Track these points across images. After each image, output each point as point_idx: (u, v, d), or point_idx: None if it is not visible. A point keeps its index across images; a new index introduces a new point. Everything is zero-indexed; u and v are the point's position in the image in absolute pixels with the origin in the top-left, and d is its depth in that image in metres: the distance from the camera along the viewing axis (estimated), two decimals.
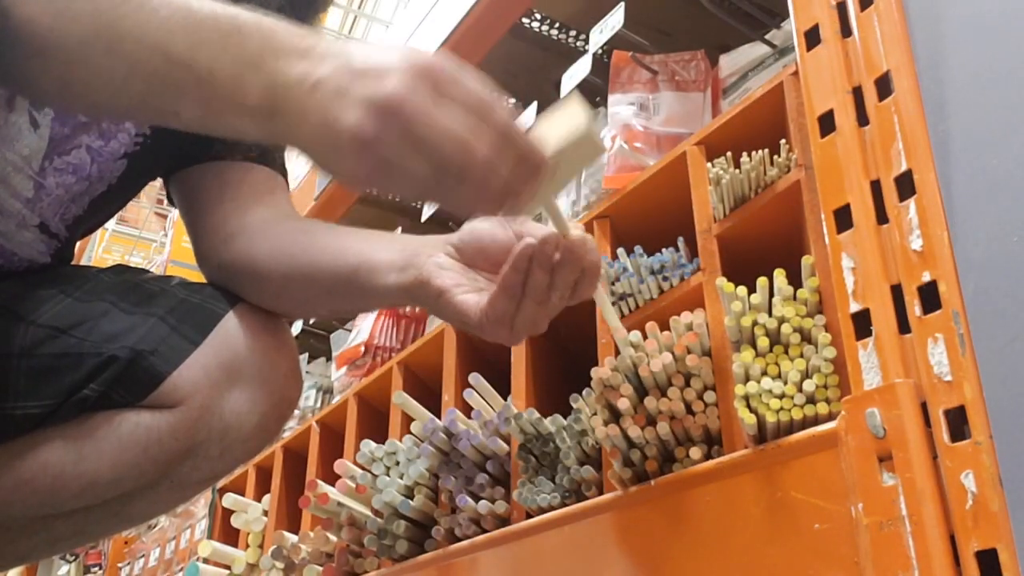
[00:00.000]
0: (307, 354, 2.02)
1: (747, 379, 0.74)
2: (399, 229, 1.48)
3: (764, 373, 0.74)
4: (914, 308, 0.64)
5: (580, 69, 1.18)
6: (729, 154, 0.88)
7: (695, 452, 0.79)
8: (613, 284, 0.95)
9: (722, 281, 0.79)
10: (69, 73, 0.57)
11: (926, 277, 0.63)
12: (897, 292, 0.65)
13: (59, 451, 0.71)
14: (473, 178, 0.52)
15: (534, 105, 1.29)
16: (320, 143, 0.54)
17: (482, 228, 0.69)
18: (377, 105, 0.51)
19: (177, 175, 0.87)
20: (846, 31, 0.75)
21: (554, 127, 0.57)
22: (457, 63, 0.53)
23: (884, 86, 0.70)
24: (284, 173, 0.89)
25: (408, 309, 1.67)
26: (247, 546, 1.66)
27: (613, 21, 1.13)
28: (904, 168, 0.67)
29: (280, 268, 0.77)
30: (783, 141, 0.84)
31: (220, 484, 1.94)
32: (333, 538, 1.29)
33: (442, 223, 1.41)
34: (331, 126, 0.52)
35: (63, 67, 0.57)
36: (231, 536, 1.81)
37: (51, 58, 0.56)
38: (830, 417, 0.70)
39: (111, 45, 0.55)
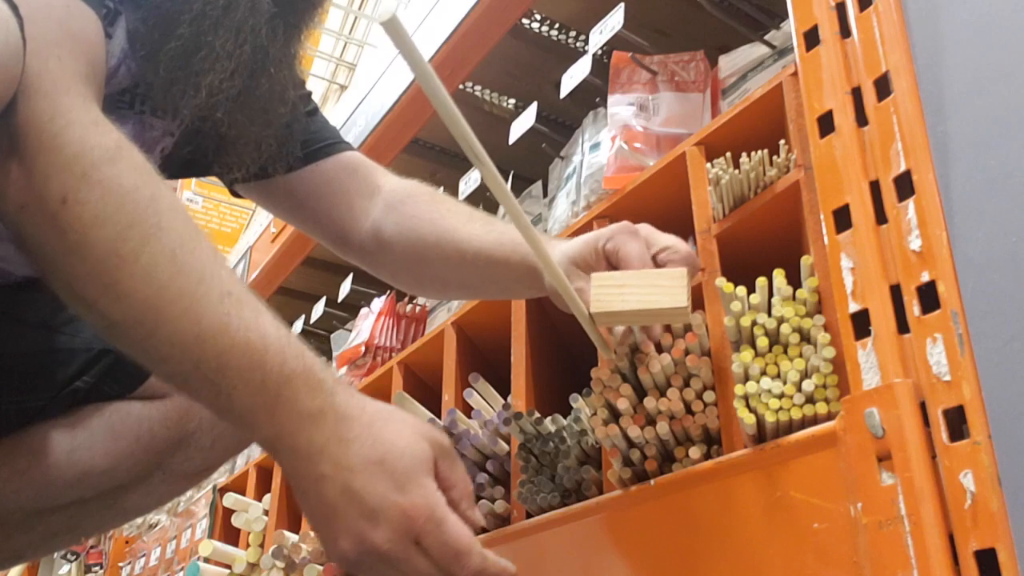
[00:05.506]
0: None
1: (746, 379, 0.74)
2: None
3: (763, 373, 0.74)
4: (913, 308, 0.64)
5: (580, 69, 1.18)
6: (728, 154, 0.88)
7: (695, 452, 0.79)
8: None
9: (721, 281, 0.80)
10: (110, 334, 0.59)
11: (925, 277, 0.63)
12: (896, 292, 0.66)
13: (52, 441, 0.73)
14: None
15: (534, 105, 1.29)
16: (310, 509, 0.60)
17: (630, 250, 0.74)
18: (365, 548, 0.58)
19: (280, 180, 0.88)
20: (845, 32, 0.75)
21: (655, 284, 0.70)
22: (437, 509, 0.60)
23: (883, 87, 0.70)
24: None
25: (408, 309, 1.67)
26: (248, 545, 1.66)
27: (613, 22, 1.13)
28: (903, 168, 0.67)
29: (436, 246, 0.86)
30: (782, 141, 0.84)
31: (221, 483, 1.94)
32: None
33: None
34: (324, 524, 0.59)
35: (106, 331, 0.59)
36: (232, 535, 1.82)
37: (97, 323, 0.58)
38: (829, 417, 0.70)
39: (149, 334, 0.56)
